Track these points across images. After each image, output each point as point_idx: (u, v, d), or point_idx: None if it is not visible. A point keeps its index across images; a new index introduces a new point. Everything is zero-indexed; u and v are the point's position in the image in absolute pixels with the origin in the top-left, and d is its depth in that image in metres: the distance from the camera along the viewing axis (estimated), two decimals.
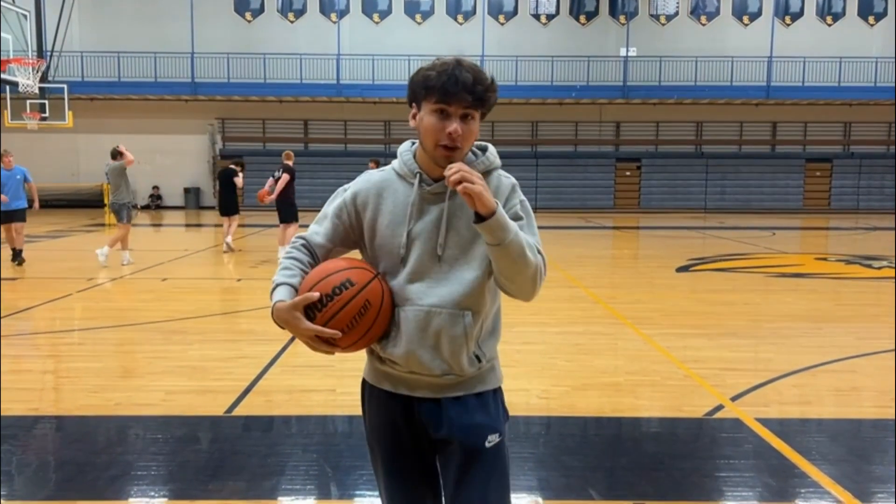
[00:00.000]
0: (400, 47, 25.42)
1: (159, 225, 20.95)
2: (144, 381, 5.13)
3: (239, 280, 10.00)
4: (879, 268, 11.42)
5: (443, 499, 1.97)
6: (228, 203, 12.95)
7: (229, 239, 12.84)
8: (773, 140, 27.51)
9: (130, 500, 3.34)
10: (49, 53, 21.52)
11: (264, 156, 26.77)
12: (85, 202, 25.24)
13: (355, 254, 2.00)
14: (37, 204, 11.47)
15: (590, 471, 3.63)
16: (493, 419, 1.92)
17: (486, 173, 1.88)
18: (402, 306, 1.86)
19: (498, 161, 1.94)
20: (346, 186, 1.99)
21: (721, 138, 27.34)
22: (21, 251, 10.84)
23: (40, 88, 18.96)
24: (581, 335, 6.55)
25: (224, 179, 13.05)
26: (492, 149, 1.95)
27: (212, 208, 26.40)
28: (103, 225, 19.53)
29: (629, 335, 6.61)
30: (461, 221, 1.85)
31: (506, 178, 1.92)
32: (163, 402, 4.65)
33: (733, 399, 4.74)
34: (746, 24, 26.39)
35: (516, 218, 1.84)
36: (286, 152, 12.39)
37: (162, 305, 7.97)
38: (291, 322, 1.78)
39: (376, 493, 3.42)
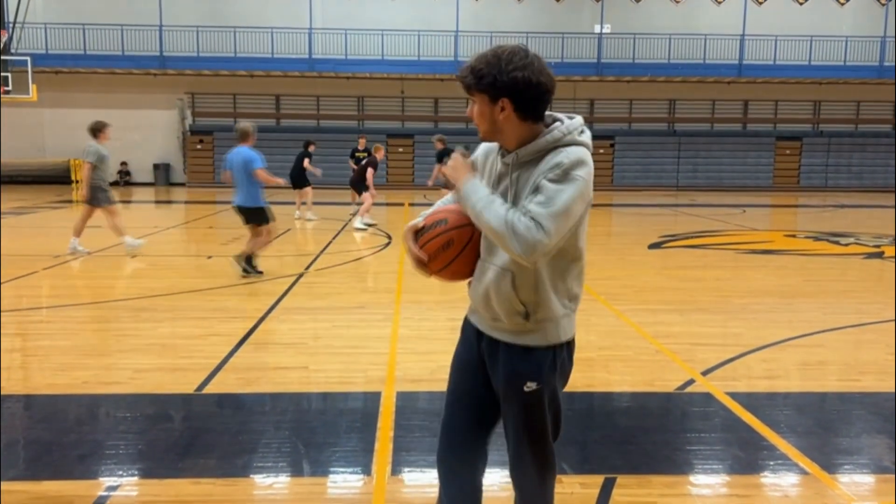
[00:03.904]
0: (373, 22, 25.07)
1: (128, 201, 20.58)
2: (113, 359, 5.05)
3: (210, 257, 9.88)
4: (847, 244, 11.61)
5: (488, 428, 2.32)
6: (296, 176, 14.65)
7: (308, 214, 14.61)
8: (745, 118, 27.72)
9: (99, 479, 3.29)
10: (11, 25, 20.89)
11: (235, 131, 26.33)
12: (51, 178, 24.69)
13: None
14: None
15: (562, 445, 3.62)
16: (535, 369, 2.14)
17: (555, 146, 2.01)
18: (481, 258, 2.17)
19: (571, 138, 2.02)
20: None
21: (693, 116, 27.48)
22: None
23: (2, 61, 18.45)
24: None
25: (299, 156, 14.84)
26: (568, 125, 2.04)
27: (182, 185, 26.06)
28: (70, 202, 19.16)
29: (601, 311, 6.65)
30: (520, 191, 2.04)
31: (564, 156, 1.97)
32: (131, 380, 4.59)
33: (704, 373, 4.80)
34: (719, 3, 26.43)
35: (537, 187, 1.96)
36: (376, 146, 14.16)
37: (131, 283, 7.85)
38: (407, 235, 2.18)
39: (349, 469, 3.42)
